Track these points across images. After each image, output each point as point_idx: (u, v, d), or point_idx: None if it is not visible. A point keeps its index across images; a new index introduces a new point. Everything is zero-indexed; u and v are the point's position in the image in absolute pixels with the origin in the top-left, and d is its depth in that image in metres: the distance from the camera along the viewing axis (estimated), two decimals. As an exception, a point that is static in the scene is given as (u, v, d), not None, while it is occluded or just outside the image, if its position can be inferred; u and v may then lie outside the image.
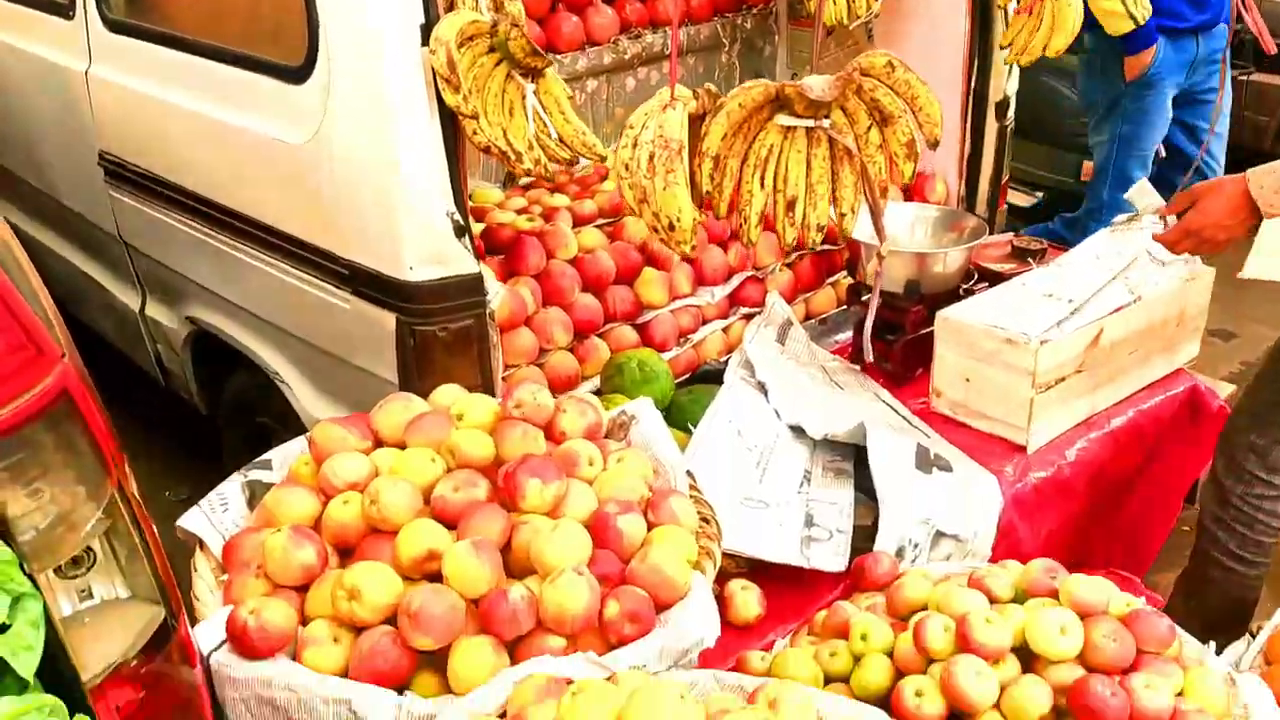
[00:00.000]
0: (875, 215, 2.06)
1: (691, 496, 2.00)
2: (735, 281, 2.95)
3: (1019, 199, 5.07)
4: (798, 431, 2.60)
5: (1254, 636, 2.30)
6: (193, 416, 3.31)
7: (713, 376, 2.77)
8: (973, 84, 3.14)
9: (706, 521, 1.98)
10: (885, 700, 1.77)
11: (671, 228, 1.84)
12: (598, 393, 2.59)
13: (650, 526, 1.87)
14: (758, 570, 2.26)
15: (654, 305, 2.78)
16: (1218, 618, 2.45)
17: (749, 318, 2.97)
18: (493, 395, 2.19)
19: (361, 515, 1.79)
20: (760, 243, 2.96)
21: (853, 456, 2.54)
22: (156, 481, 3.18)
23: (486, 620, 1.65)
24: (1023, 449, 2.64)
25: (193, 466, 3.21)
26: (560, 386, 2.61)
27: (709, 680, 1.55)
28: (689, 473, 2.10)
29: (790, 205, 2.03)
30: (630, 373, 2.53)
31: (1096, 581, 1.80)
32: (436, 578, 1.70)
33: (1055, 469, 2.65)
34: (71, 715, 1.21)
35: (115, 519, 1.34)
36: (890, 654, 1.85)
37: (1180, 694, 1.72)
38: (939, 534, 2.35)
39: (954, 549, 2.38)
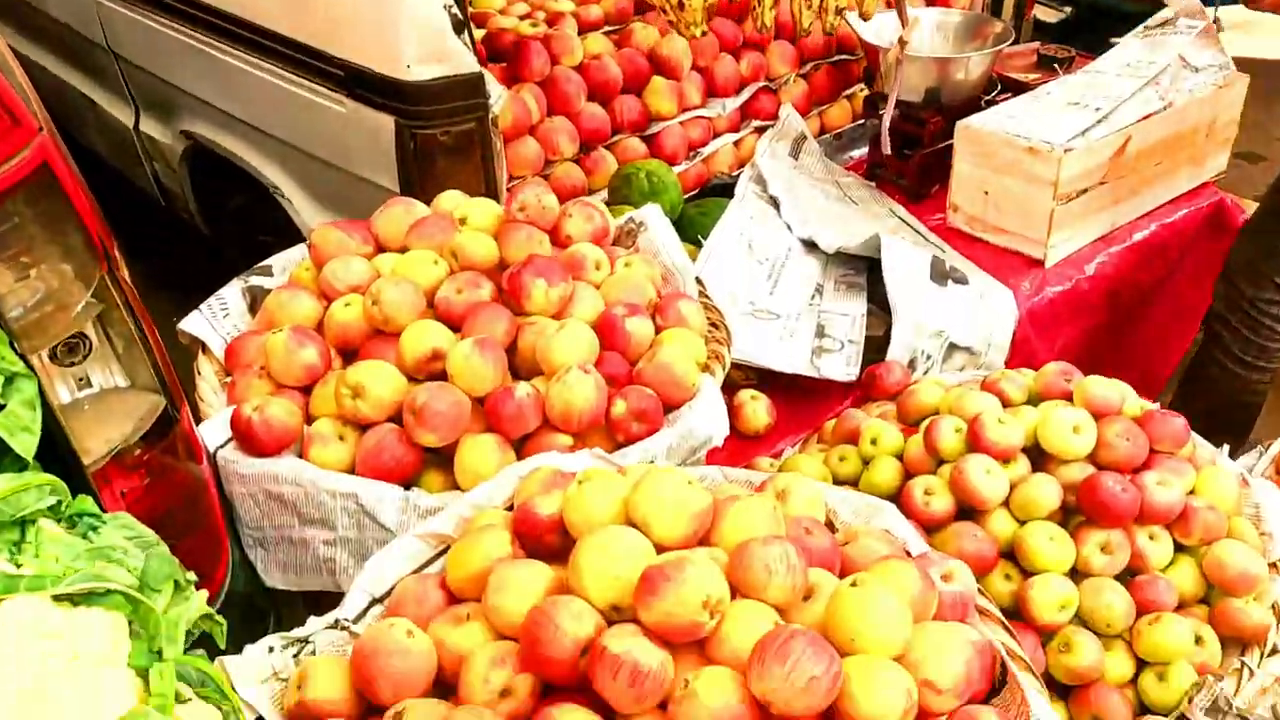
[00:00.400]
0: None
1: (701, 302, 1.96)
2: (747, 93, 2.83)
3: (1047, 14, 4.83)
4: (810, 246, 2.54)
5: (1265, 449, 2.30)
6: (196, 245, 3.26)
7: (723, 190, 2.70)
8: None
9: (716, 327, 1.94)
10: (893, 501, 1.76)
11: (681, 6, 1.74)
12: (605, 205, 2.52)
13: (658, 330, 1.83)
14: (767, 381, 2.24)
15: (663, 116, 2.68)
16: (1216, 421, 2.43)
17: (761, 131, 2.87)
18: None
19: (364, 316, 1.76)
20: (774, 51, 2.85)
21: (865, 271, 2.49)
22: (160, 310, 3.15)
23: (492, 418, 1.63)
24: (1040, 263, 2.58)
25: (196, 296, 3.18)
26: (567, 199, 2.53)
27: (716, 475, 1.54)
28: (698, 279, 2.05)
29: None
30: (639, 184, 2.45)
31: (1112, 382, 1.77)
32: (441, 379, 1.67)
33: (1073, 284, 2.60)
34: (74, 496, 1.20)
35: (108, 305, 1.31)
36: (900, 457, 1.84)
37: (1192, 492, 1.71)
38: (952, 346, 2.32)
39: (967, 362, 2.35)
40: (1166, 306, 2.87)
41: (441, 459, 1.67)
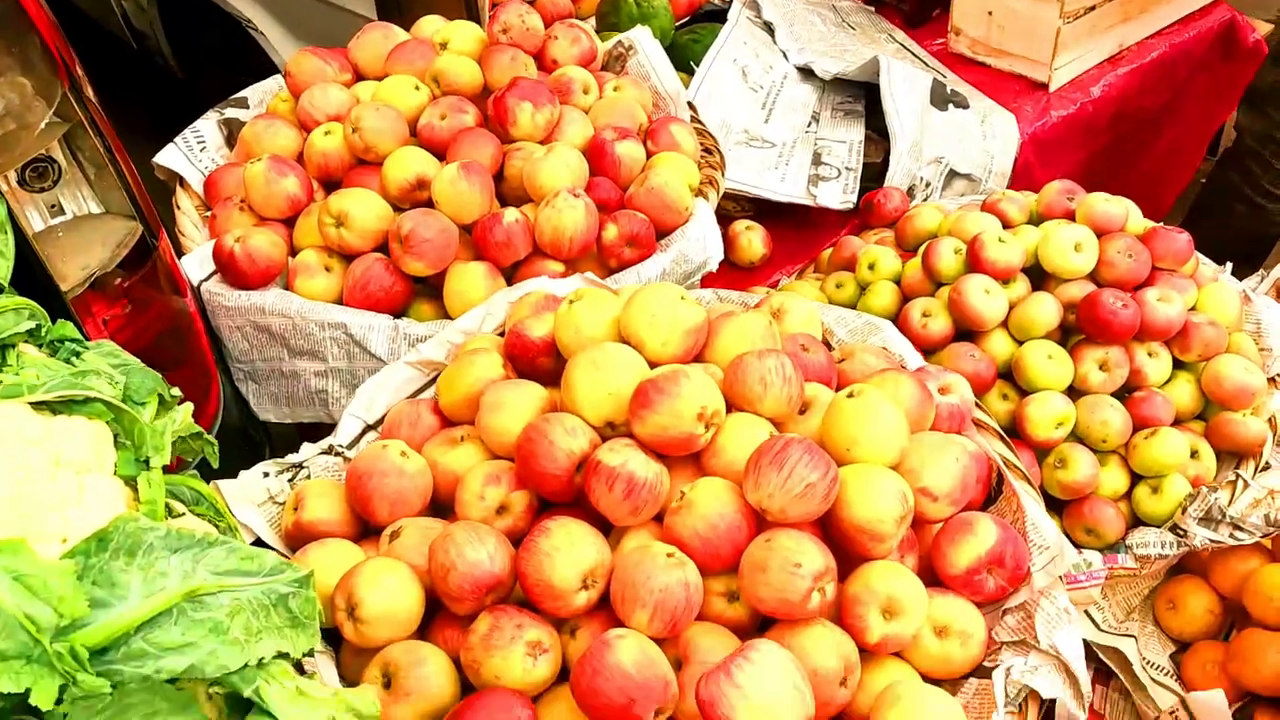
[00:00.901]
0: None
1: (694, 127, 1.90)
2: (741, -88, 2.69)
3: None
4: (806, 73, 2.45)
5: (1268, 272, 2.27)
6: (172, 90, 3.15)
7: (716, 16, 2.58)
8: None
9: (709, 152, 1.89)
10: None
11: None
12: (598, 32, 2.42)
13: (649, 155, 1.78)
14: (763, 212, 2.19)
15: (652, -63, 2.54)
16: (1228, 253, 2.40)
17: (756, -47, 2.73)
18: (479, 27, 2.04)
19: (345, 144, 1.70)
20: None
21: (864, 98, 2.41)
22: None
23: (481, 245, 1.59)
24: (1045, 87, 2.50)
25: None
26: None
27: (710, 297, 1.51)
28: (690, 104, 1.98)
29: None
30: (627, 9, 2.34)
31: (1116, 199, 1.73)
32: (426, 207, 1.62)
33: (1078, 106, 2.51)
34: (53, 321, 1.17)
35: (74, 125, 1.25)
36: (898, 282, 1.81)
37: (1193, 309, 1.69)
38: (952, 173, 2.26)
39: (967, 189, 2.29)
40: (1173, 131, 2.79)
41: (430, 290, 1.64)
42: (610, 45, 2.04)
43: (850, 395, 1.18)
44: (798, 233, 2.19)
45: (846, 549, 1.13)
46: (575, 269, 1.61)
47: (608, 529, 1.18)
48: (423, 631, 1.16)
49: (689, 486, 1.13)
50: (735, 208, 2.20)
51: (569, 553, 1.08)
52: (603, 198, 1.67)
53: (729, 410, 1.20)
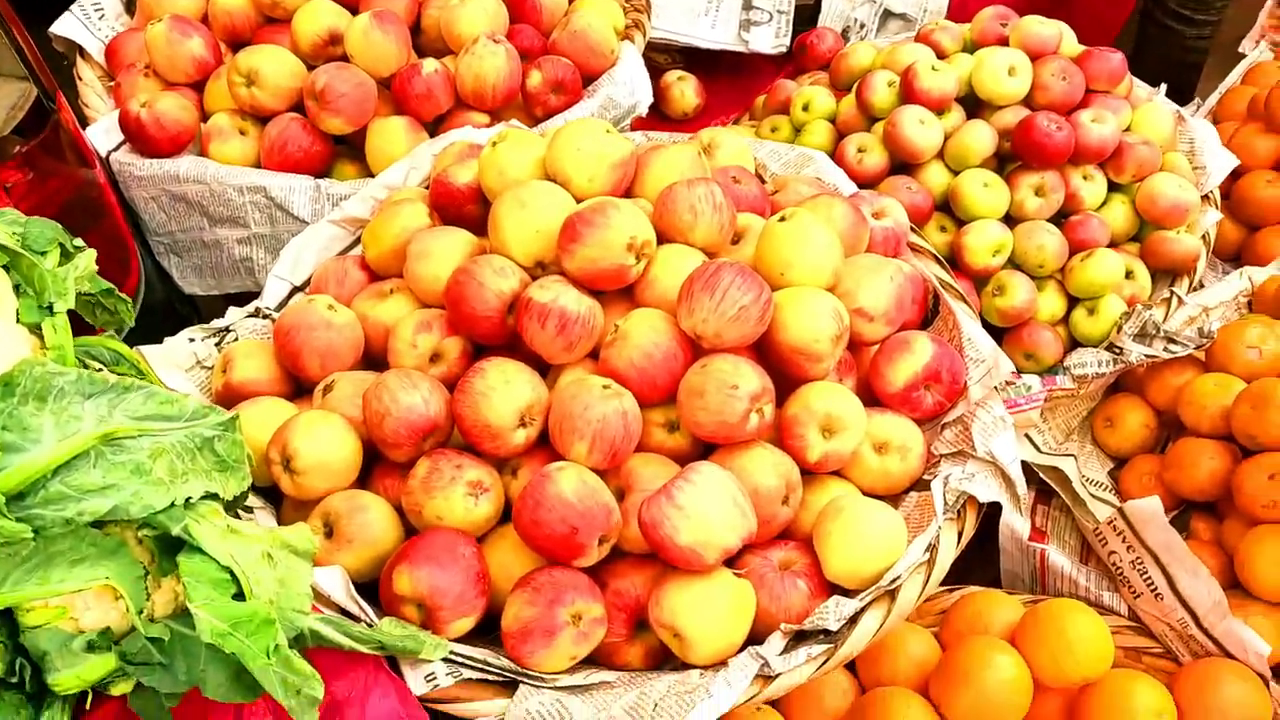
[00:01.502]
0: None
1: (621, -29, 1.83)
2: None
3: None
4: (735, -84, 2.37)
5: (1203, 101, 2.26)
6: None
7: None
8: None
9: (635, -5, 1.82)
10: (827, 163, 1.71)
11: None
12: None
13: (572, -1, 1.72)
14: (696, 63, 2.14)
15: None
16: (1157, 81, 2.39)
17: None
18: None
19: (250, 2, 1.62)
20: None
21: (795, -60, 2.33)
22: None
23: (400, 98, 1.54)
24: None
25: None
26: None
27: (639, 138, 1.47)
28: (612, -52, 1.91)
29: None
30: None
31: (1050, 22, 1.69)
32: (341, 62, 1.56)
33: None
34: (-53, 188, 1.11)
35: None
36: (833, 121, 1.78)
37: (1128, 129, 1.68)
38: (887, 13, 2.21)
39: (902, 29, 2.24)
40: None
41: (352, 149, 1.59)
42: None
43: (782, 219, 1.16)
44: (732, 81, 2.15)
45: (785, 371, 1.13)
46: (500, 120, 1.56)
47: (545, 370, 1.17)
48: (363, 484, 1.15)
49: (623, 319, 1.12)
50: (666, 59, 2.15)
51: (504, 391, 1.07)
52: (525, 45, 1.61)
53: (660, 242, 1.18)
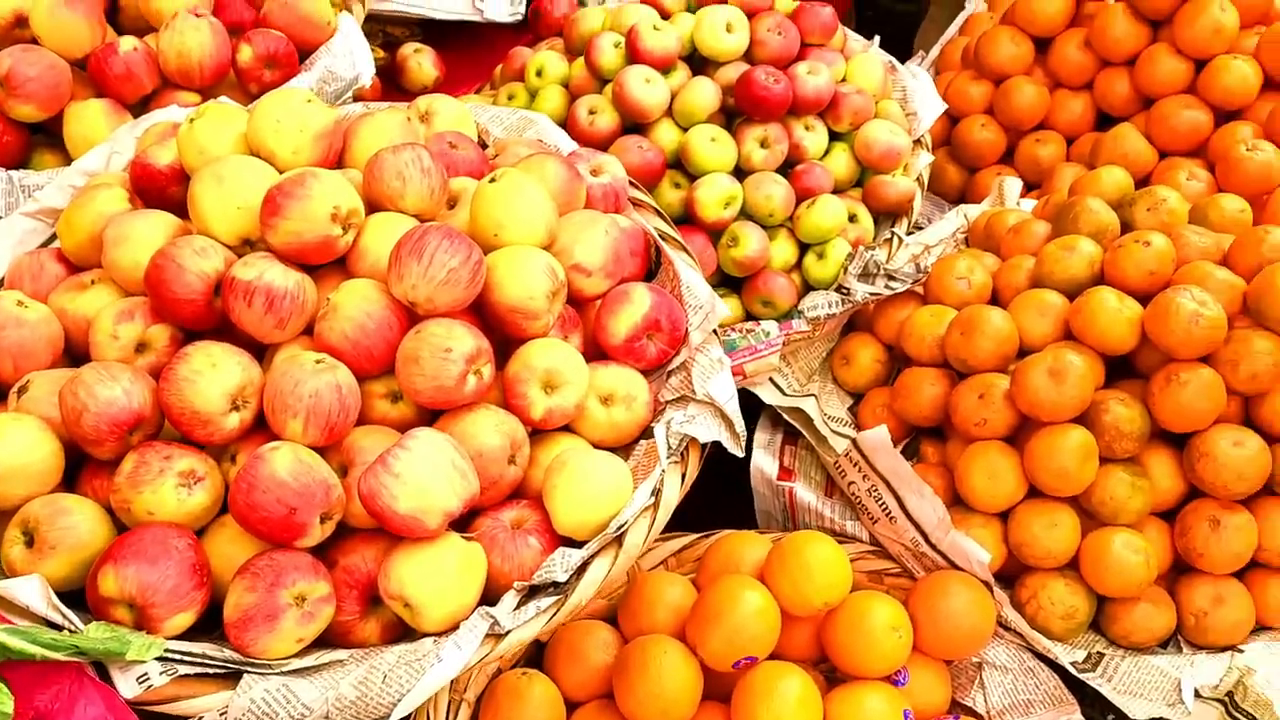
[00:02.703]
0: None
1: (335, -59, 1.77)
2: None
3: None
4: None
5: (925, 55, 2.39)
6: None
7: None
8: None
9: (355, -35, 1.77)
10: (561, 127, 1.72)
11: None
12: None
13: (285, -30, 1.65)
14: (434, 35, 2.11)
15: None
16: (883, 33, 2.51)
17: None
18: None
19: (-81, -18, 1.49)
20: None
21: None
22: None
23: (99, 79, 1.45)
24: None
25: None
26: None
27: (360, 109, 1.43)
28: (331, -82, 1.85)
29: None
30: None
31: (764, -23, 1.75)
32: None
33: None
34: None
35: None
36: (567, 85, 1.79)
37: (844, 80, 1.76)
38: (622, -22, 2.23)
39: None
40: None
41: (51, 137, 1.48)
42: None
43: (493, 180, 1.15)
44: (472, 52, 2.13)
45: (504, 332, 1.13)
46: (213, 98, 1.49)
47: (262, 351, 1.13)
48: (71, 487, 1.08)
49: (335, 291, 1.09)
50: (403, 32, 2.11)
51: (211, 375, 1.02)
52: (235, 19, 1.55)
53: (372, 211, 1.16)
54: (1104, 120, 2.03)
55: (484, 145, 1.41)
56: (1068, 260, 1.48)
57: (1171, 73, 1.88)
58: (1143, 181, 1.88)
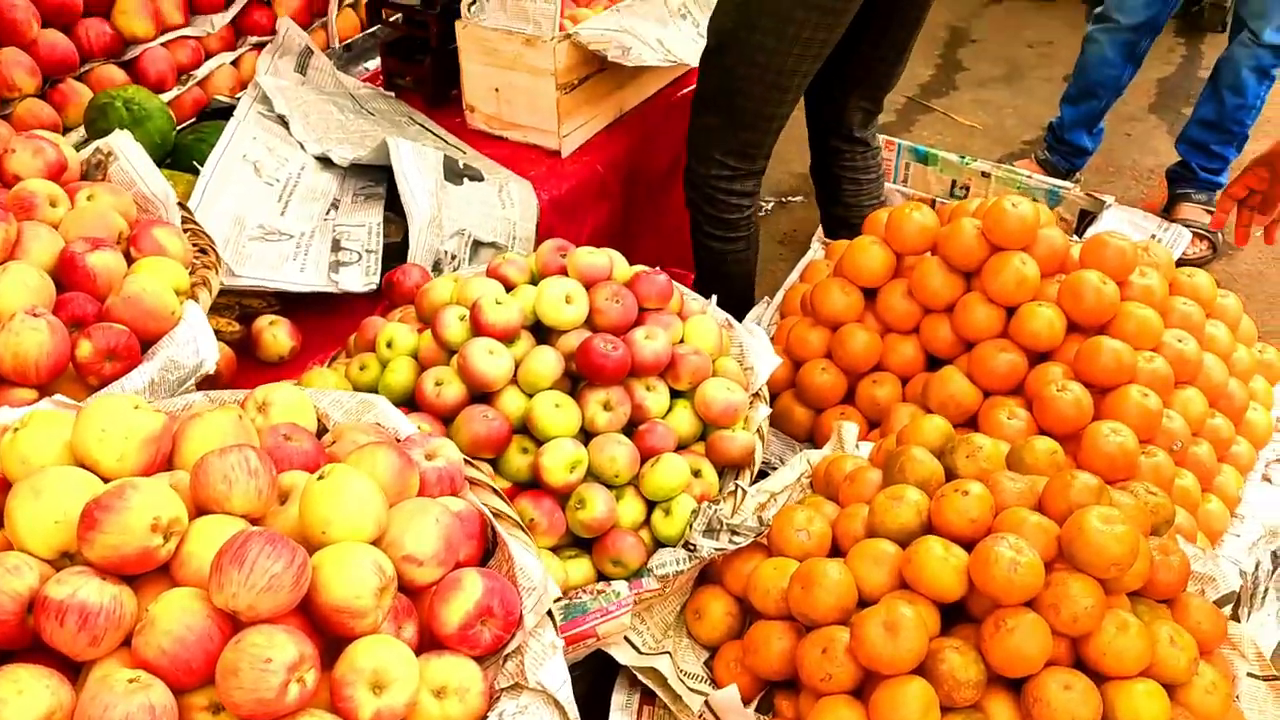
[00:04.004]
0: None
1: (187, 229, 1.84)
2: (237, 6, 2.67)
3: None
4: (325, 162, 2.46)
5: (770, 301, 2.54)
6: None
7: (224, 114, 2.53)
8: None
9: (205, 252, 1.83)
10: (410, 398, 1.76)
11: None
12: (85, 143, 2.29)
13: (133, 262, 1.70)
14: (291, 305, 2.16)
15: (140, 38, 2.46)
16: (721, 287, 2.65)
17: (260, 47, 2.72)
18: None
19: None
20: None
21: (385, 181, 2.45)
22: None
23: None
24: (557, 154, 2.66)
25: None
26: (38, 139, 2.28)
27: (199, 398, 1.46)
28: (184, 206, 1.92)
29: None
30: (116, 114, 2.24)
31: (601, 251, 1.86)
32: None
33: (592, 170, 2.70)
34: None
35: None
36: (416, 355, 1.84)
37: (682, 341, 1.85)
38: (477, 244, 2.35)
39: (494, 257, 2.38)
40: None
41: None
42: (87, 153, 1.94)
43: (321, 477, 1.17)
44: (327, 319, 2.18)
45: (332, 632, 1.12)
46: (49, 393, 1.49)
47: (78, 666, 1.10)
48: None
49: (154, 603, 1.07)
50: (260, 304, 2.15)
51: (16, 704, 0.99)
52: (78, 313, 1.57)
53: (202, 513, 1.16)
54: (934, 361, 2.16)
55: (324, 430, 1.43)
56: (897, 510, 1.55)
57: (986, 319, 2.03)
58: (969, 420, 2.00)
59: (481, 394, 1.73)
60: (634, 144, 2.82)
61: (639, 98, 2.85)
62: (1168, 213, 3.74)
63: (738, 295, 2.64)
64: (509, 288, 1.87)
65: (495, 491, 1.36)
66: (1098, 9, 3.74)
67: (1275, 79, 3.48)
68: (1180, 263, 2.42)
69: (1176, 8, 3.64)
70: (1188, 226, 3.17)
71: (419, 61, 2.77)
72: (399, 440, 1.39)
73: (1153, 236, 2.88)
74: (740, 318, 2.29)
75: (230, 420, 1.25)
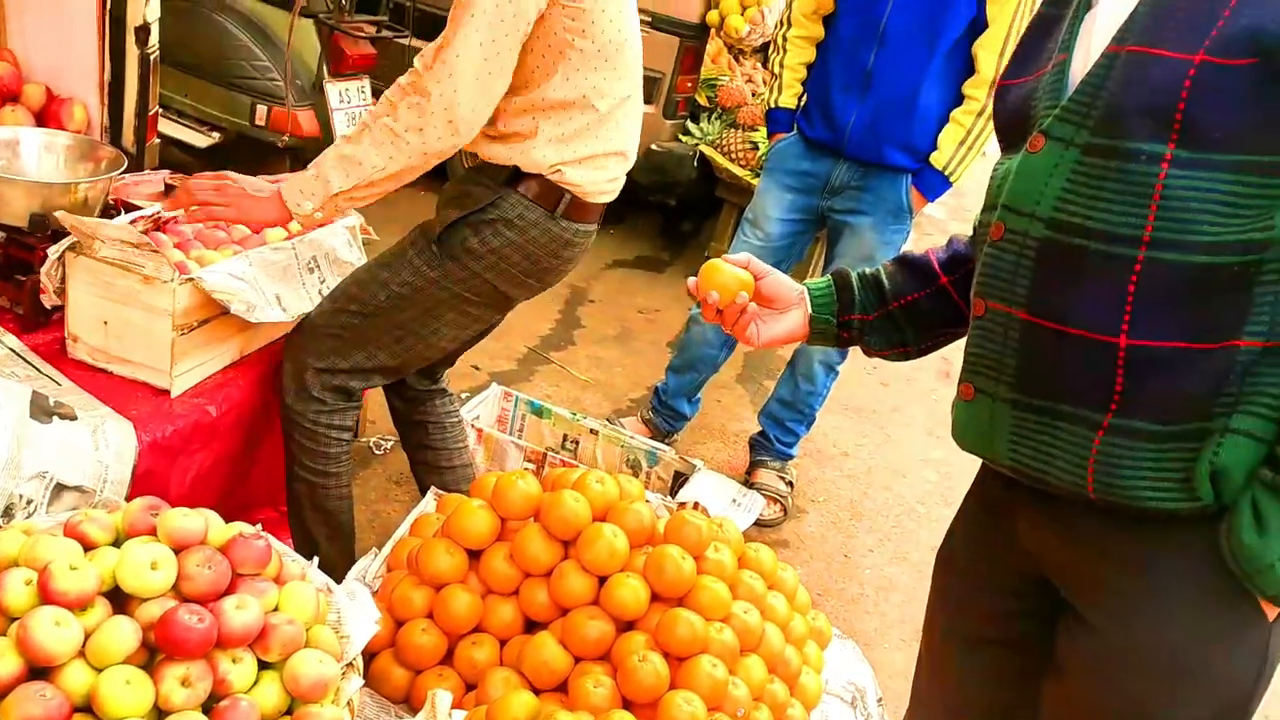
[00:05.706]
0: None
1: None
2: None
3: (197, 138, 5.01)
4: (-112, 385, 2.22)
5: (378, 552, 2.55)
6: None
7: None
8: (109, 5, 2.93)
9: None
10: None
11: None
12: None
13: None
14: None
15: None
16: (321, 531, 2.65)
17: None
18: None
19: None
20: None
21: (-39, 410, 2.25)
22: None
23: None
24: (167, 393, 2.58)
25: None
26: None
27: None
28: None
29: None
30: None
31: (196, 512, 1.81)
32: None
33: (202, 412, 2.62)
34: None
35: None
36: (-33, 620, 1.67)
37: (276, 609, 1.81)
38: (60, 486, 2.19)
39: (79, 501, 2.23)
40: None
41: None
42: None
43: None
44: None
45: None
46: None
47: None
48: None
49: None
50: None
51: None
52: None
53: None
54: (533, 625, 2.25)
55: None
56: (479, 792, 1.57)
57: (580, 587, 2.16)
58: (560, 686, 2.09)
59: (42, 669, 1.59)
60: (251, 383, 2.78)
61: (267, 339, 2.84)
62: (749, 474, 4.19)
63: (334, 539, 2.66)
64: (90, 547, 1.76)
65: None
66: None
67: (838, 373, 4.08)
68: (757, 523, 2.72)
69: None
70: (763, 492, 3.57)
71: (19, 284, 2.62)
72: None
73: (733, 501, 3.21)
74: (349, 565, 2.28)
75: None
